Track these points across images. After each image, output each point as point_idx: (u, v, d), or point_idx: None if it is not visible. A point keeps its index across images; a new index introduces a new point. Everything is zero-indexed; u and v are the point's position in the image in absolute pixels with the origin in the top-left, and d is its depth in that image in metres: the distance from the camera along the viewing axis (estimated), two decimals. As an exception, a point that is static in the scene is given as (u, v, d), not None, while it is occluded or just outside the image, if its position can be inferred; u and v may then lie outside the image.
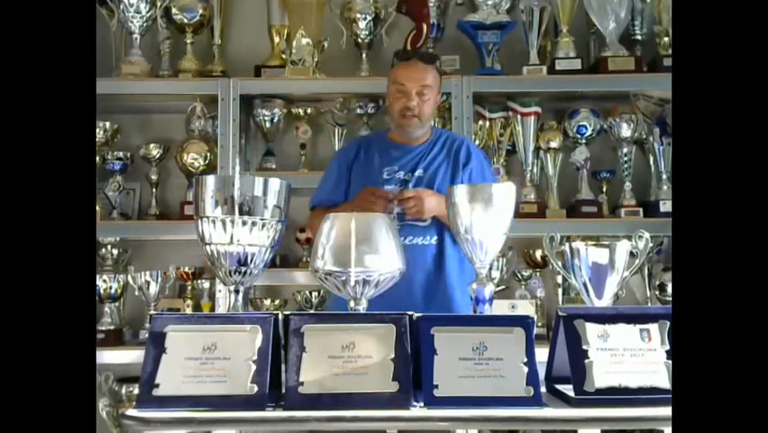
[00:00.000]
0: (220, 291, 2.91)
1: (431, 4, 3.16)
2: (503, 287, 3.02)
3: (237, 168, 2.92)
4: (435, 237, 2.28)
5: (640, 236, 1.66)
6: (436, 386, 1.37)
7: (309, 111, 3.18)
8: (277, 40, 3.20)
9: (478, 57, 3.15)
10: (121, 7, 3.08)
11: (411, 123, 2.31)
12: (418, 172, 2.32)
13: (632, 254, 1.67)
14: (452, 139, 2.44)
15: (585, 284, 1.65)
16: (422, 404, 1.36)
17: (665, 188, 3.04)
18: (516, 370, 1.39)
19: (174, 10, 3.13)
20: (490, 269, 2.11)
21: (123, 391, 2.82)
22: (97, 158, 3.05)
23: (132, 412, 1.34)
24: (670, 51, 3.00)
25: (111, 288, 2.92)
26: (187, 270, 3.03)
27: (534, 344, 1.42)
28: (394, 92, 2.32)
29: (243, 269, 1.53)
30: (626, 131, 3.09)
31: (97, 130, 3.03)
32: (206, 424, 1.37)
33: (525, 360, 1.40)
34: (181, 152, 3.09)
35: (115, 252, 3.09)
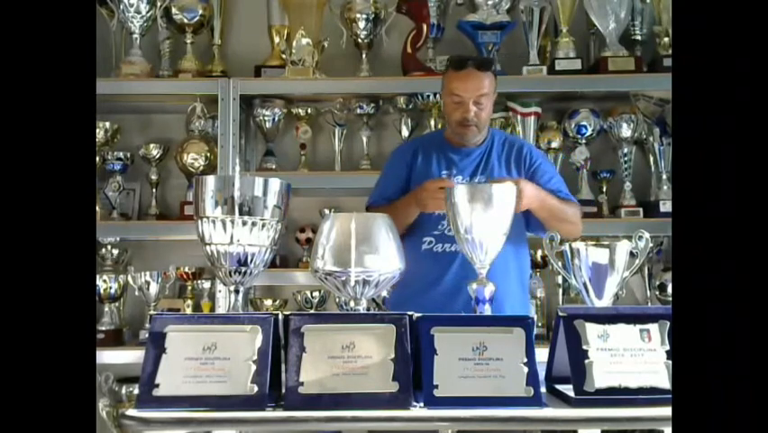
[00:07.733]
0: (220, 291, 2.91)
1: (431, 4, 3.15)
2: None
3: (237, 168, 2.92)
4: None
5: (640, 236, 1.66)
6: (436, 386, 1.37)
7: (309, 111, 3.17)
8: (277, 40, 3.19)
9: (478, 57, 3.15)
10: (121, 7, 3.07)
11: (469, 132, 2.27)
12: (478, 178, 2.27)
13: (632, 254, 1.67)
14: (511, 142, 2.38)
15: (585, 284, 1.65)
16: (422, 404, 1.36)
17: (665, 188, 3.04)
18: (516, 370, 1.39)
19: (174, 10, 3.12)
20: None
21: (123, 391, 2.82)
22: (97, 158, 3.05)
23: (132, 412, 1.34)
24: (670, 51, 3.00)
25: (111, 288, 2.92)
26: (187, 270, 3.03)
27: (534, 344, 1.42)
28: (450, 102, 2.26)
29: (243, 269, 1.53)
30: (626, 131, 3.09)
31: (97, 130, 3.03)
32: (206, 424, 1.37)
33: (526, 360, 1.40)
34: (181, 152, 3.08)
35: (115, 252, 3.08)
